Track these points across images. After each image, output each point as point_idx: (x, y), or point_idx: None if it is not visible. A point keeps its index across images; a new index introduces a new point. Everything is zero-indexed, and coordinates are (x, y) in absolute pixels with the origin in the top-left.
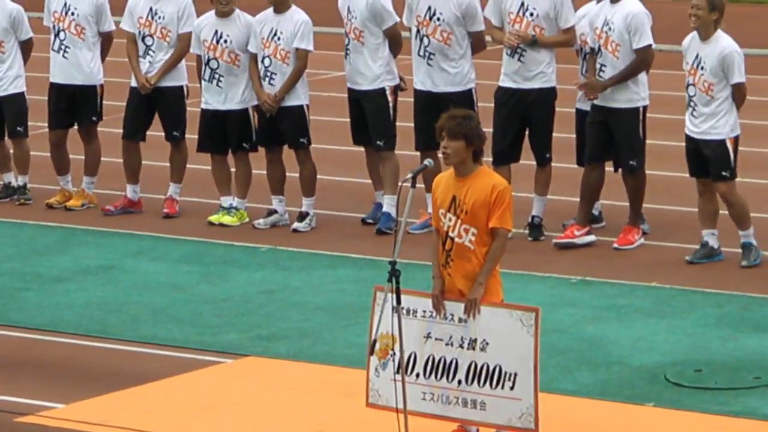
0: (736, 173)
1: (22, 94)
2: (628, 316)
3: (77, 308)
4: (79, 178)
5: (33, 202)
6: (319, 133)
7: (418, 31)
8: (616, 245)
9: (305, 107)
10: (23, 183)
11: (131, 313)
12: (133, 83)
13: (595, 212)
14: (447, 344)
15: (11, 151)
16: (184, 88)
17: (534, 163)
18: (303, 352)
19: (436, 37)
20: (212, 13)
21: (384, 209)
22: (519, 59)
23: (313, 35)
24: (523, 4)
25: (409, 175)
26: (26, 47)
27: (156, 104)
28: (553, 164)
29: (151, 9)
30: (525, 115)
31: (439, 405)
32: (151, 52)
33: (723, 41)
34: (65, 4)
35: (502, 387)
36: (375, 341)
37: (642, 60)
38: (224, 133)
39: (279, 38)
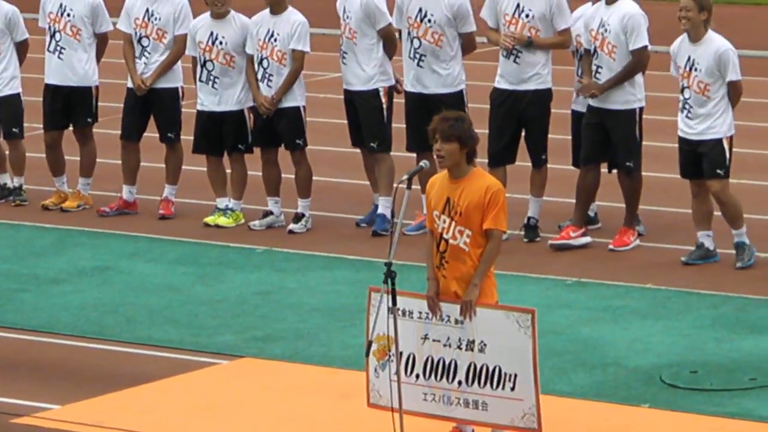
0: (729, 172)
1: (17, 95)
2: (624, 317)
3: (73, 309)
4: (75, 180)
5: (29, 203)
6: (315, 135)
7: (408, 33)
8: (611, 247)
9: (302, 108)
10: (19, 184)
11: (127, 315)
12: (130, 84)
13: (591, 213)
14: (445, 345)
15: (6, 152)
16: (180, 90)
17: (529, 164)
18: (299, 354)
19: (427, 38)
20: (208, 14)
21: (379, 211)
22: (514, 61)
23: (309, 36)
24: (518, 5)
25: (405, 177)
26: (22, 48)
27: (151, 105)
28: (548, 166)
29: (147, 10)
30: (521, 117)
31: (441, 405)
32: (146, 54)
33: (716, 41)
34: (61, 5)
35: (503, 388)
36: (371, 342)
37: (638, 61)
38: (220, 134)
39: (276, 39)
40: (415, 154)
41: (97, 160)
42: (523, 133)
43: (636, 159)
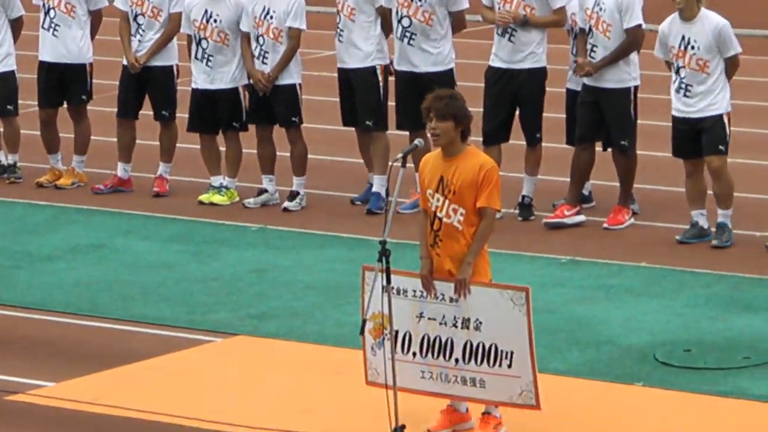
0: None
1: (12, 72)
2: (618, 296)
3: (67, 287)
4: (69, 157)
5: (23, 180)
6: (309, 113)
7: (398, 12)
8: (606, 225)
9: (298, 86)
10: (13, 161)
11: (121, 292)
12: (125, 62)
13: (585, 192)
14: (441, 323)
15: (1, 129)
16: (175, 68)
17: (524, 143)
18: (293, 332)
19: (418, 17)
20: None
21: (374, 189)
22: (509, 39)
23: (305, 14)
24: None
25: (400, 155)
26: (16, 25)
27: (146, 83)
28: (543, 144)
29: None
30: (515, 96)
31: (438, 383)
32: (141, 31)
33: (712, 17)
34: None
35: (500, 365)
36: (365, 321)
37: (633, 40)
38: (214, 112)
39: (272, 17)
40: (407, 133)
41: (92, 137)
42: (517, 112)
43: (630, 138)
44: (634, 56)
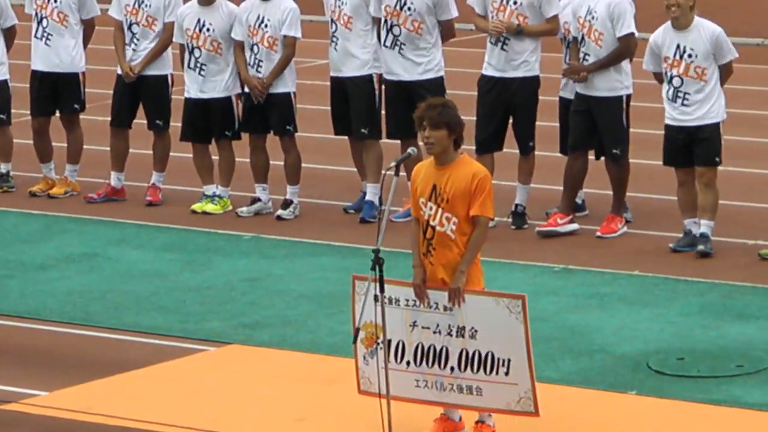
0: None
1: (5, 81)
2: (611, 304)
3: (60, 296)
4: (62, 166)
5: (16, 189)
6: (303, 122)
7: (387, 21)
8: (599, 234)
9: (292, 95)
10: (6, 171)
11: (114, 301)
12: (120, 71)
13: (578, 201)
14: (435, 332)
15: None
16: (169, 77)
17: (517, 151)
18: (286, 341)
19: (407, 26)
20: (195, 1)
21: (367, 198)
22: (502, 48)
23: (300, 23)
24: None
25: (393, 164)
26: (9, 34)
27: (140, 93)
28: (536, 153)
29: None
30: (508, 104)
31: (434, 392)
32: (135, 41)
33: (708, 25)
34: None
35: (497, 373)
36: (358, 330)
37: (625, 48)
38: (207, 121)
39: (266, 26)
40: (399, 141)
41: (85, 146)
42: (510, 121)
43: (623, 146)
44: (626, 65)
